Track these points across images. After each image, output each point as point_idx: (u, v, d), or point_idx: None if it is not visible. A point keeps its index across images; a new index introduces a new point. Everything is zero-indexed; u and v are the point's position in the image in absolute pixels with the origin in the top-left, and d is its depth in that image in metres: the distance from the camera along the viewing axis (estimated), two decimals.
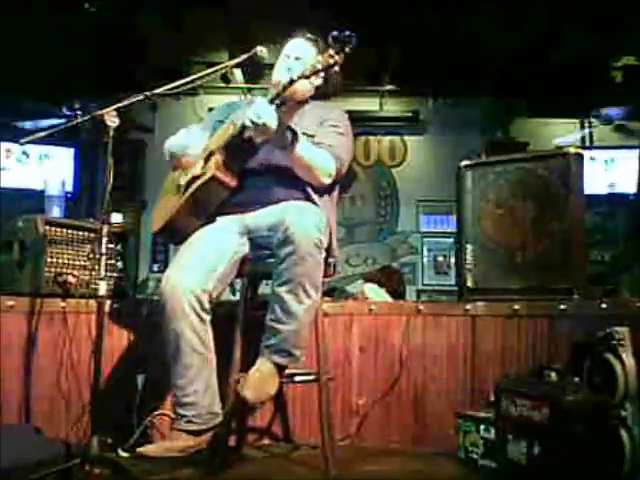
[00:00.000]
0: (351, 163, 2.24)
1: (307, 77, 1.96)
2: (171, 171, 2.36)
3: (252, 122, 1.96)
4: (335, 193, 2.33)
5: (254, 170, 2.21)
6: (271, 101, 2.04)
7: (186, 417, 2.00)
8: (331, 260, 2.16)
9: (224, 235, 2.17)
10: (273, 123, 1.95)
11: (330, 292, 4.45)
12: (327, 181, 2.18)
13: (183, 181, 2.22)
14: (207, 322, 2.03)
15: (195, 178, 2.17)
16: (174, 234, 2.27)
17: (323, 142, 2.18)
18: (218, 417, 2.04)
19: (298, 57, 2.26)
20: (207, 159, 2.19)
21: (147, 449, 1.95)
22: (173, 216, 2.21)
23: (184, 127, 2.49)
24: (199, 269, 2.04)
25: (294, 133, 2.04)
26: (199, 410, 2.00)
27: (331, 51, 1.92)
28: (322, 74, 2.16)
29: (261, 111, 1.96)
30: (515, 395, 1.96)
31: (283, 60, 2.30)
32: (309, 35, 2.33)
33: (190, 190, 2.16)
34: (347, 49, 1.91)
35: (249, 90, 6.09)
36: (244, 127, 2.04)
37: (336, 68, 1.95)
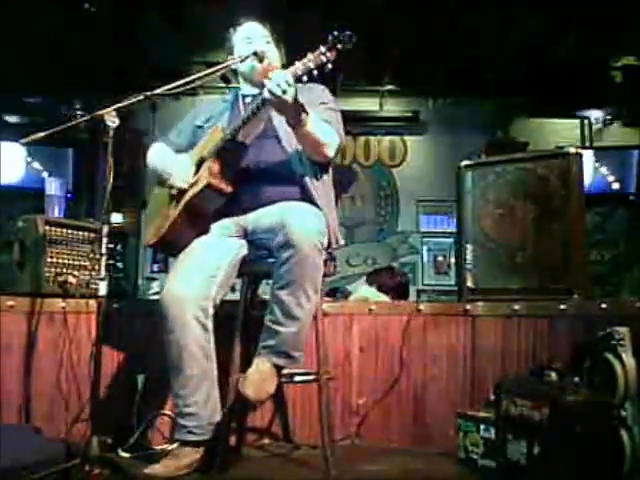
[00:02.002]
0: (351, 163, 2.23)
1: (300, 77, 1.91)
2: (157, 184, 2.32)
3: (271, 93, 1.87)
4: (330, 180, 2.28)
5: (245, 171, 2.18)
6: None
7: (187, 428, 2.00)
8: (331, 251, 2.13)
9: (222, 239, 2.16)
10: (291, 93, 1.87)
11: (332, 292, 4.47)
12: (333, 155, 2.16)
13: (175, 191, 2.18)
14: (210, 330, 2.03)
15: (187, 187, 2.14)
16: (171, 246, 2.21)
17: (320, 118, 2.13)
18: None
19: (263, 36, 2.27)
20: (198, 166, 2.16)
21: (155, 470, 1.94)
22: (169, 228, 2.16)
23: None
24: (200, 276, 2.03)
25: (304, 108, 1.98)
26: (200, 421, 2.00)
27: (322, 49, 1.87)
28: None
29: (280, 80, 1.86)
30: (515, 395, 1.96)
31: (244, 44, 2.27)
32: (260, 19, 2.33)
33: (184, 199, 2.13)
34: (340, 47, 1.87)
35: None
36: (264, 101, 1.96)
37: (329, 66, 1.91)
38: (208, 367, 2.03)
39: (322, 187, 2.19)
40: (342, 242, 2.20)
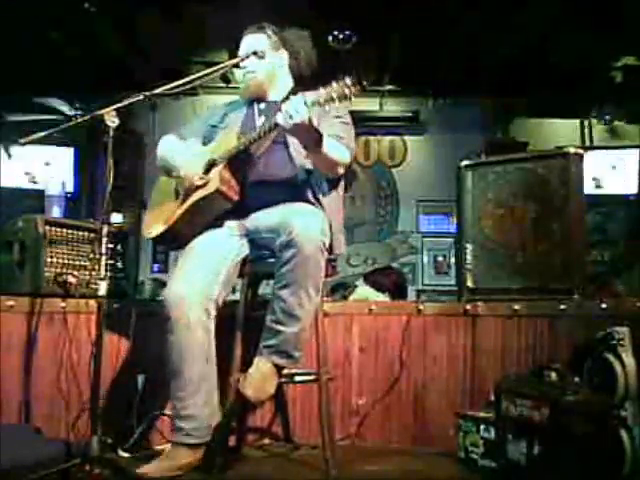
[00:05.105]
0: (351, 163, 2.24)
1: (321, 105, 1.88)
2: (164, 174, 2.34)
3: (290, 116, 1.87)
4: (340, 189, 2.30)
5: (253, 179, 2.19)
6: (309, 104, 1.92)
7: (184, 430, 1.99)
8: (331, 257, 2.13)
9: (224, 239, 2.16)
10: (305, 118, 1.87)
11: (338, 287, 4.46)
12: (342, 172, 2.19)
13: (181, 188, 2.21)
14: (211, 332, 2.03)
15: (195, 187, 2.15)
16: (172, 242, 2.25)
17: (332, 134, 2.14)
18: None
19: (251, 53, 2.24)
20: (207, 168, 2.16)
21: (146, 469, 1.93)
22: (172, 224, 2.18)
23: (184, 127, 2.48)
24: (202, 277, 2.03)
25: (319, 132, 1.98)
26: (198, 423, 1.99)
27: (347, 81, 1.85)
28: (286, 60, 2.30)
29: (296, 107, 1.88)
30: (515, 395, 1.96)
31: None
32: (257, 27, 2.32)
33: (191, 200, 2.14)
34: (364, 82, 1.85)
35: None
36: (276, 125, 1.98)
37: (352, 99, 1.88)
38: (208, 369, 2.02)
39: (329, 196, 2.21)
40: (344, 251, 2.21)
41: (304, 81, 2.35)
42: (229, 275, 2.10)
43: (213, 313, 2.03)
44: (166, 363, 2.02)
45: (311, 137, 1.96)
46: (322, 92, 1.89)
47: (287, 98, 2.01)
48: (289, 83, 2.37)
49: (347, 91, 1.85)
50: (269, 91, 2.33)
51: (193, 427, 1.98)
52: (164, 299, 2.01)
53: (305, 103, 1.87)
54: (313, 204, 2.13)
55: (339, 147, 2.13)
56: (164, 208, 2.26)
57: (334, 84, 1.88)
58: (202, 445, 2.00)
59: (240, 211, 2.19)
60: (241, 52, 2.29)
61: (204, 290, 2.01)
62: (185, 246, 2.16)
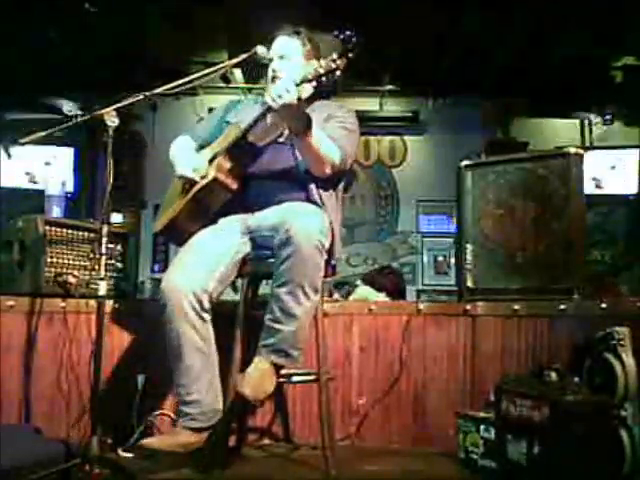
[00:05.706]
0: (344, 166, 2.23)
1: (309, 81, 1.93)
2: (175, 176, 2.36)
3: (279, 96, 1.89)
4: (339, 190, 2.31)
5: (257, 175, 2.21)
6: (298, 81, 1.95)
7: (190, 415, 2.00)
8: (332, 261, 2.15)
9: (225, 235, 2.17)
10: (294, 99, 1.89)
11: (340, 285, 4.46)
12: (329, 171, 2.15)
13: (187, 184, 2.24)
14: (208, 321, 2.04)
15: (198, 179, 2.18)
16: (176, 235, 2.28)
17: (328, 135, 2.15)
18: (221, 414, 2.05)
19: (282, 55, 2.24)
20: (211, 161, 2.20)
21: (149, 442, 1.95)
22: (175, 217, 2.22)
23: (184, 127, 2.48)
24: (199, 269, 2.05)
25: (309, 118, 1.99)
26: (203, 408, 2.00)
27: (334, 55, 1.89)
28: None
29: (286, 87, 1.90)
30: (515, 395, 1.97)
31: (277, 61, 2.26)
32: (292, 30, 2.30)
33: (192, 192, 2.18)
34: (350, 54, 1.89)
35: (249, 90, 6.10)
36: (269, 108, 2.00)
37: (338, 73, 1.92)
38: (209, 354, 2.04)
39: (330, 198, 2.21)
40: (342, 256, 2.22)
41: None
42: (227, 271, 2.11)
43: (207, 305, 2.03)
44: (167, 352, 2.03)
45: (300, 120, 1.97)
46: (309, 69, 1.93)
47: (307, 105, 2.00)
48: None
49: (333, 65, 1.89)
50: None
51: (198, 412, 2.00)
52: (161, 289, 2.03)
53: (294, 81, 1.90)
54: (315, 203, 2.13)
55: (329, 144, 2.13)
56: (171, 205, 2.30)
57: (321, 60, 1.92)
58: (208, 429, 2.01)
59: (244, 206, 2.21)
60: (272, 52, 2.27)
61: (199, 282, 2.02)
62: (188, 240, 2.18)
